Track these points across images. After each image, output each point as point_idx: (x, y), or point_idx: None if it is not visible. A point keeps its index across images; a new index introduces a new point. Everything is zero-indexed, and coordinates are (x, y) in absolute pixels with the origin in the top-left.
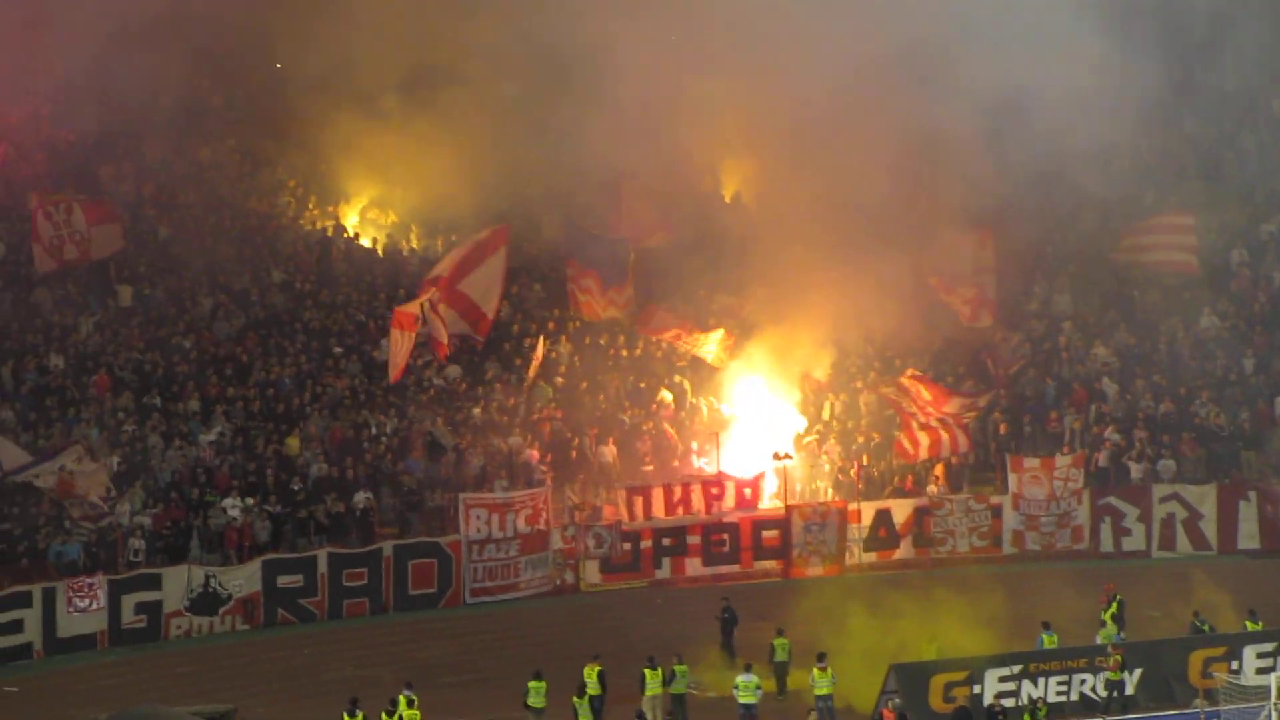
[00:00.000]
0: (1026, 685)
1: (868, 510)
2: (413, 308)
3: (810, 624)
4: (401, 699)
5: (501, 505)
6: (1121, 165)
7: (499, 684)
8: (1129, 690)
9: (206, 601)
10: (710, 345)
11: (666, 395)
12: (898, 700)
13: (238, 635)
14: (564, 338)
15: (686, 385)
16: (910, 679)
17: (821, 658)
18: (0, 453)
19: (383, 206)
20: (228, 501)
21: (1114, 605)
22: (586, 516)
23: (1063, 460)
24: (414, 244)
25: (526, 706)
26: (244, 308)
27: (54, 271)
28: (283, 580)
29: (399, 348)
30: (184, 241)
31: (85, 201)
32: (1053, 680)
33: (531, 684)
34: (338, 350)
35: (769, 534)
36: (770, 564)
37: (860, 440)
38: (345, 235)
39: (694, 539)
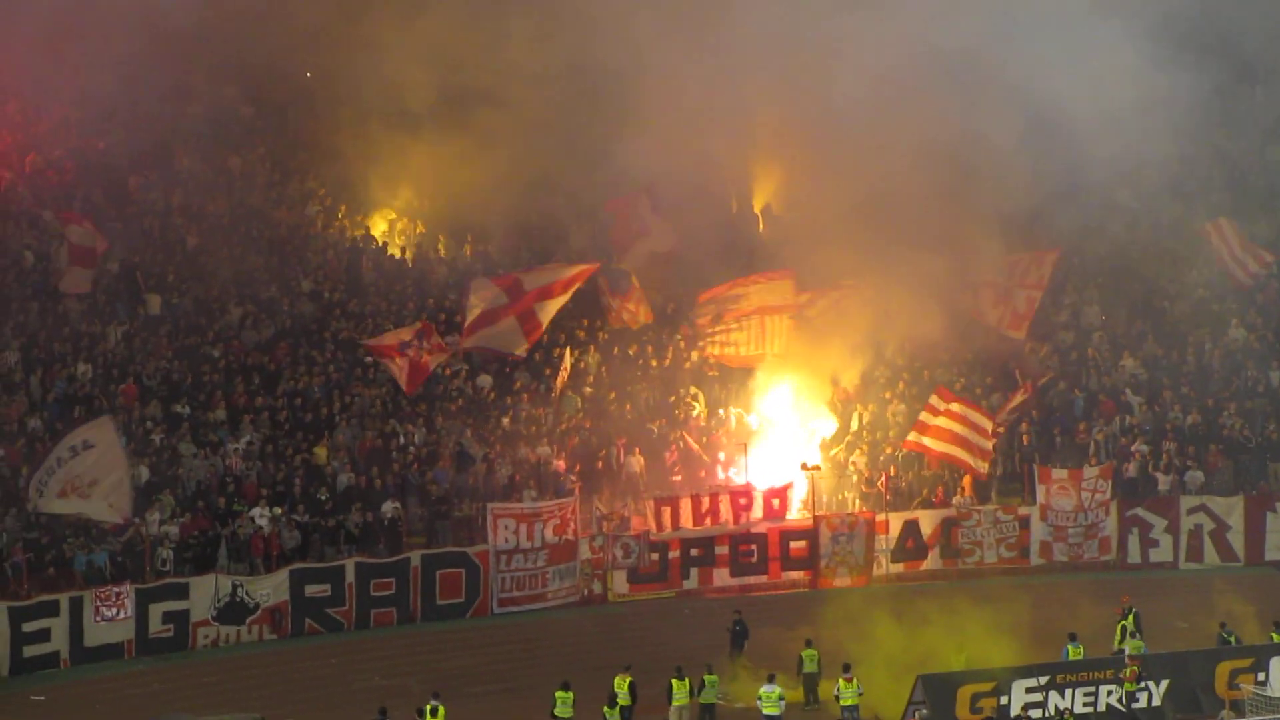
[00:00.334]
0: (1053, 696)
1: (895, 521)
2: (387, 338)
3: (837, 634)
4: (428, 709)
5: (529, 515)
6: (1150, 177)
7: (526, 694)
8: (1155, 701)
9: (234, 611)
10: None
11: (695, 406)
12: (925, 711)
13: (265, 645)
14: (593, 348)
15: (701, 395)
16: (937, 689)
17: (847, 668)
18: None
19: (412, 216)
20: (256, 511)
21: (1130, 617)
22: (614, 526)
23: (1090, 472)
24: (442, 253)
25: (554, 716)
26: (273, 317)
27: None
28: (310, 590)
29: (400, 372)
30: (212, 250)
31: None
32: (1079, 691)
33: (559, 694)
34: (369, 359)
35: (797, 544)
36: (798, 574)
37: (888, 451)
38: (374, 245)
39: (722, 549)
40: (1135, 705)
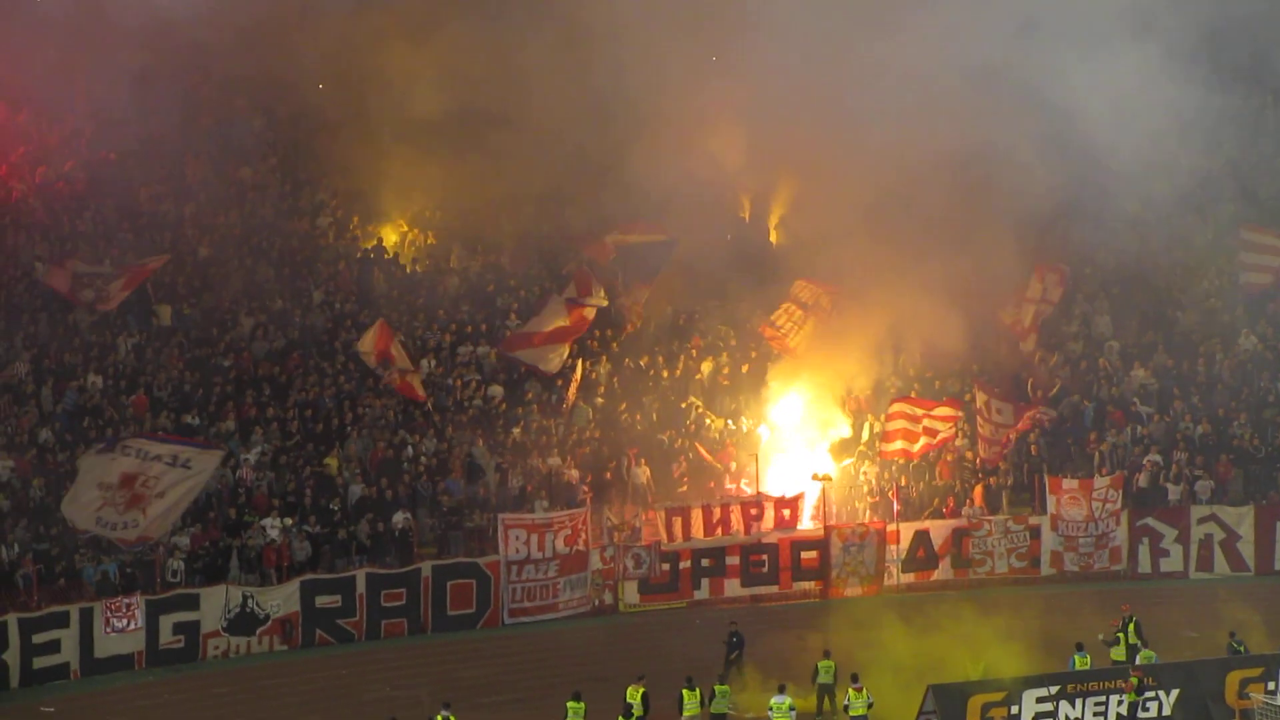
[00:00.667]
0: (1064, 706)
1: (906, 531)
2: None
3: (848, 644)
4: (439, 719)
5: (540, 526)
6: (1162, 187)
7: (537, 705)
8: (1165, 711)
9: (244, 622)
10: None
11: (708, 417)
12: None
13: (275, 655)
14: (604, 358)
15: (699, 404)
16: (948, 700)
17: (855, 678)
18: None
19: (423, 227)
20: (267, 521)
21: (1130, 626)
22: (625, 537)
23: (1101, 481)
24: (454, 264)
25: None
26: (283, 328)
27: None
28: (321, 601)
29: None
30: (224, 262)
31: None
32: (1090, 701)
33: (570, 704)
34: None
35: (808, 555)
36: (809, 584)
37: (900, 461)
38: (386, 256)
39: (733, 560)
40: (1145, 715)
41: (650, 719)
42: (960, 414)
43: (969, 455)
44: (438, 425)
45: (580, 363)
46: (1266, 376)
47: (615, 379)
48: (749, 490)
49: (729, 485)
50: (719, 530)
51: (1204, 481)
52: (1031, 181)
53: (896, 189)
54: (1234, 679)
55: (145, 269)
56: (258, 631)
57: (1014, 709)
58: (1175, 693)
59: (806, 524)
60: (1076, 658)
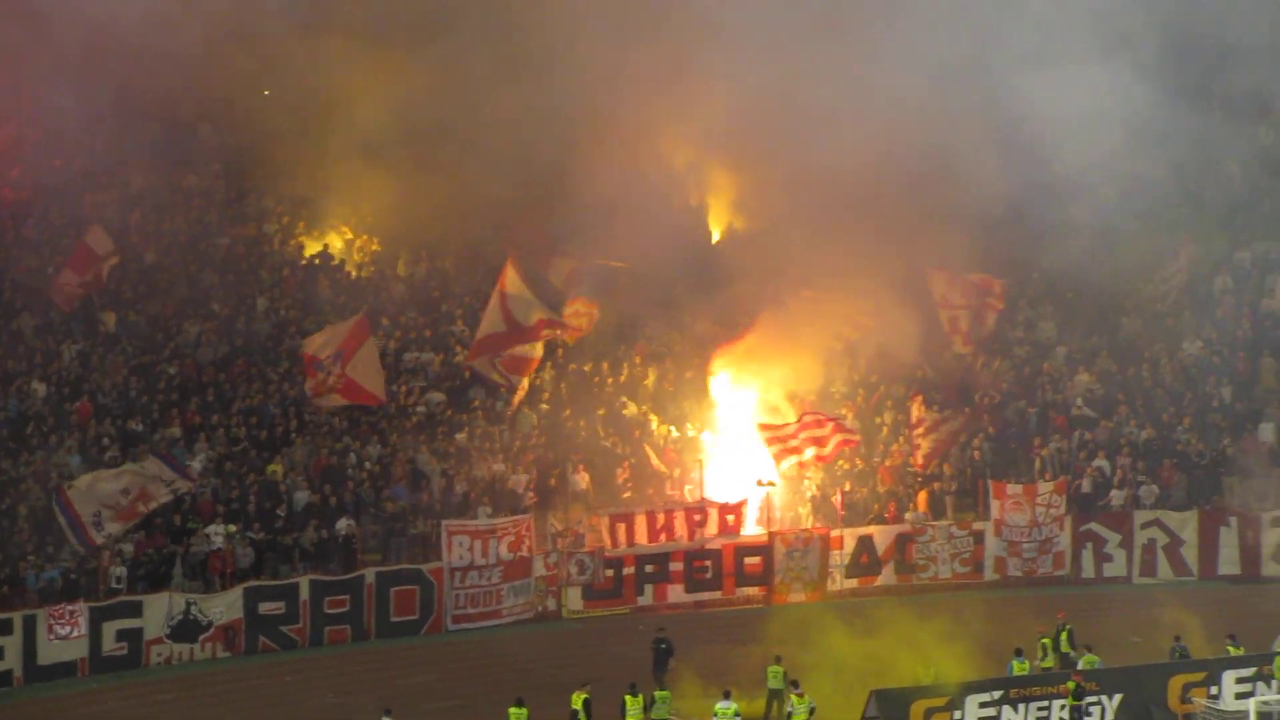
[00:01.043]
0: (1007, 711)
1: (850, 537)
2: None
3: (791, 650)
4: None
5: (484, 532)
6: (1107, 192)
7: (480, 711)
8: (1108, 716)
9: (187, 629)
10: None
11: (654, 422)
12: None
13: (219, 662)
14: (548, 364)
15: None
16: (891, 705)
17: (796, 684)
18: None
19: (369, 233)
20: (211, 528)
21: (1063, 633)
22: (569, 543)
23: (1045, 487)
24: (401, 270)
25: None
26: (228, 335)
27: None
28: (264, 607)
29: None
30: (169, 268)
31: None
32: (1033, 706)
33: (512, 710)
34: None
35: (751, 560)
36: (753, 590)
37: (845, 466)
38: (332, 263)
39: (677, 565)
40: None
41: None
42: (842, 433)
43: (911, 461)
44: (382, 432)
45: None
46: (1211, 382)
47: (562, 385)
48: (693, 496)
49: (670, 491)
50: (663, 536)
51: (1148, 487)
52: (979, 186)
53: (844, 195)
54: (1177, 683)
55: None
56: (201, 638)
57: (957, 714)
58: (1118, 697)
59: (751, 529)
60: (1015, 663)
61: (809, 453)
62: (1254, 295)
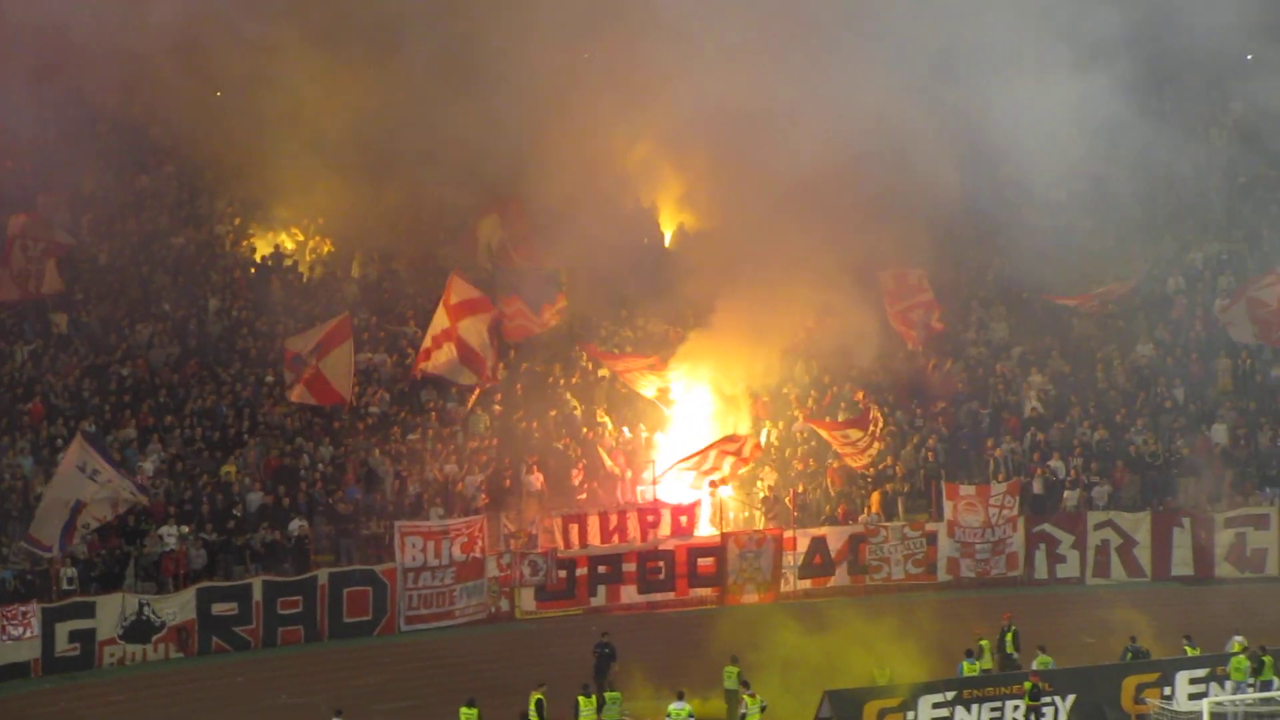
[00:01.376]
0: (960, 712)
1: (803, 538)
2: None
3: (744, 651)
4: None
5: (437, 533)
6: (1059, 193)
7: (432, 711)
8: (1061, 717)
9: (140, 629)
10: (650, 387)
11: (608, 422)
12: None
13: (172, 663)
14: (501, 365)
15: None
16: (844, 705)
17: (747, 684)
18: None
19: (321, 235)
20: (164, 529)
21: (1008, 635)
22: (522, 544)
23: (998, 488)
24: (354, 272)
25: None
26: (180, 336)
27: (12, 302)
28: (217, 608)
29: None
30: (121, 269)
31: (54, 244)
32: (986, 707)
33: (464, 711)
34: (269, 379)
35: (704, 561)
36: (705, 591)
37: (798, 467)
38: (284, 263)
39: (629, 566)
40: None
41: None
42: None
43: (853, 465)
44: (335, 433)
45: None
46: (1163, 383)
47: (519, 386)
48: (646, 497)
49: (622, 493)
50: (616, 537)
51: (1101, 487)
52: (932, 187)
53: (794, 195)
54: (1130, 684)
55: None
56: (154, 639)
57: (910, 715)
58: (1071, 698)
59: (704, 530)
60: (965, 664)
61: (726, 465)
62: (1206, 296)
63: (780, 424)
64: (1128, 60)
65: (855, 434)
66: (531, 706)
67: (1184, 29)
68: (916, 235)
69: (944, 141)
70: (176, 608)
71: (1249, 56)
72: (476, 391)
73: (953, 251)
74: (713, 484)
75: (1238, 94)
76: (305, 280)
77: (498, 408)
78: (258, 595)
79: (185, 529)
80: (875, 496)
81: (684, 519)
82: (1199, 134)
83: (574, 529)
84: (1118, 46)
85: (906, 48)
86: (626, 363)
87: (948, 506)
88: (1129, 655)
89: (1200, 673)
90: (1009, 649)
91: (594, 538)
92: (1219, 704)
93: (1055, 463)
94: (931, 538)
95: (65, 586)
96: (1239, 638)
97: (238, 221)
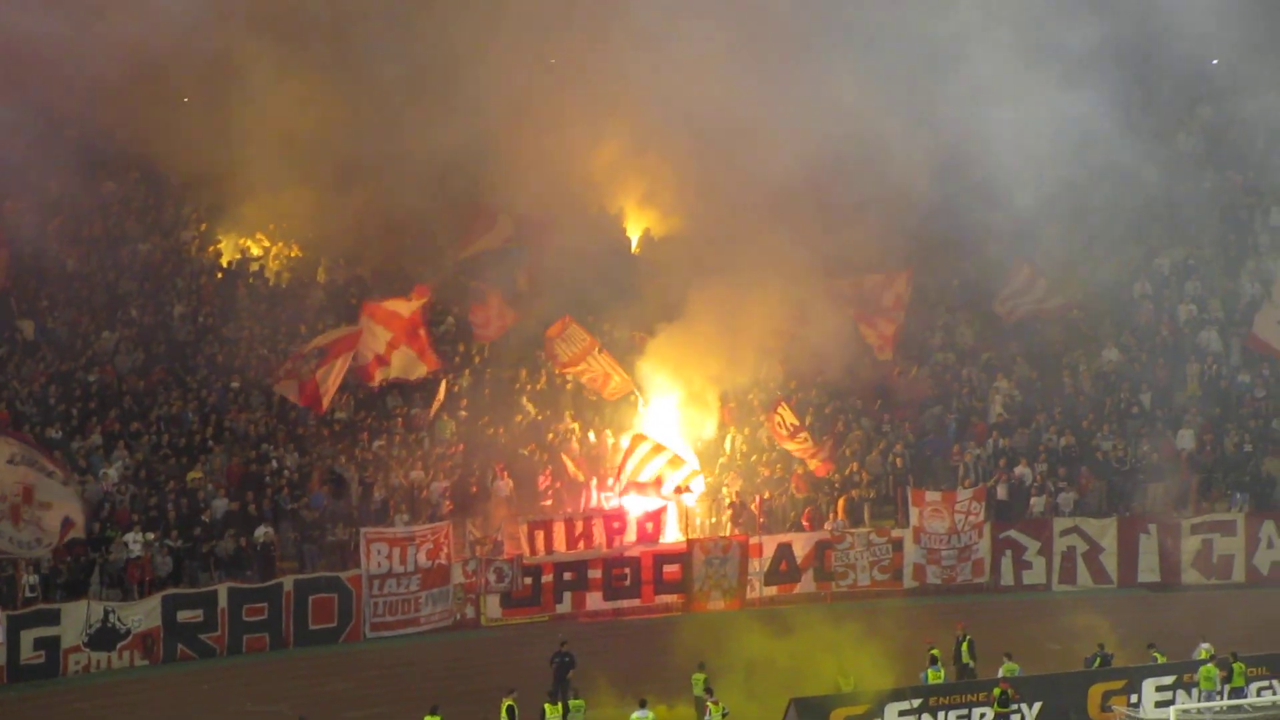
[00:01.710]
0: (926, 719)
1: (769, 544)
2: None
3: (710, 658)
4: None
5: (403, 539)
6: (1024, 199)
7: (398, 718)
8: None
9: (105, 637)
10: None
11: (574, 427)
12: None
13: (137, 671)
14: (467, 371)
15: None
16: (810, 713)
17: (710, 691)
18: None
19: (287, 240)
20: (129, 536)
21: (964, 644)
22: (487, 551)
23: (964, 494)
24: (320, 277)
25: None
26: (146, 342)
27: None
28: (183, 615)
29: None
30: (88, 275)
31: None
32: (953, 714)
33: (428, 718)
34: (235, 385)
35: (670, 568)
36: (671, 598)
37: (764, 473)
38: (251, 269)
39: (595, 573)
40: None
41: None
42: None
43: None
44: (300, 439)
45: (444, 378)
46: (1128, 389)
47: (487, 390)
48: (611, 503)
49: (585, 501)
50: (581, 543)
51: (1066, 494)
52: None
53: (762, 200)
54: (1097, 691)
55: None
56: (119, 646)
57: None
58: (1038, 705)
59: (670, 537)
60: (929, 671)
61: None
62: (1172, 301)
63: (745, 430)
64: (1097, 67)
65: (804, 436)
66: (503, 713)
67: (1154, 36)
68: (886, 240)
69: (913, 147)
70: (142, 615)
71: (1214, 61)
72: (439, 398)
73: (920, 257)
74: (677, 489)
75: (1206, 100)
76: (271, 285)
77: (463, 413)
78: (223, 602)
79: (150, 535)
80: (841, 502)
81: (650, 525)
82: (1166, 139)
83: (540, 535)
84: (1087, 54)
85: (877, 53)
86: (579, 365)
87: (913, 513)
88: (1097, 662)
89: (1167, 680)
90: (965, 659)
91: (560, 544)
92: (1185, 711)
93: (1022, 469)
94: (897, 544)
95: (28, 595)
96: (1206, 645)
97: (204, 227)
